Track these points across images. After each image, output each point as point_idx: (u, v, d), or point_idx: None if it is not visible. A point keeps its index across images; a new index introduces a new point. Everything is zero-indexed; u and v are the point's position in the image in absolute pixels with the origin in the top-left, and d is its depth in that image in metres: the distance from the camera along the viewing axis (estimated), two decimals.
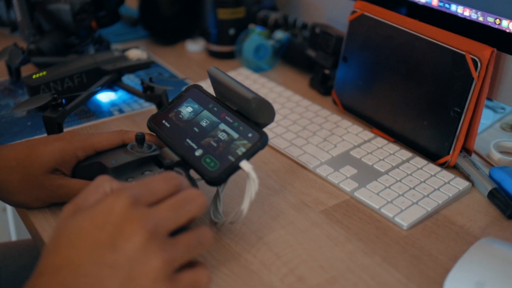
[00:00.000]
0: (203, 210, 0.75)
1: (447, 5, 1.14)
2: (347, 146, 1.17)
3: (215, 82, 0.98)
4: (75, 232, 0.70)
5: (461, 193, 1.04)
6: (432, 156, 1.12)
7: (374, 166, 1.11)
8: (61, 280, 0.68)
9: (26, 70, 1.46)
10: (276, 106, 1.31)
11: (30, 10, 1.53)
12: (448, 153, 1.09)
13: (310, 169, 1.11)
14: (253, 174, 0.86)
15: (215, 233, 0.95)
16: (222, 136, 0.92)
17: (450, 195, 1.02)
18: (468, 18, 1.11)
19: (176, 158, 0.93)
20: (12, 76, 1.44)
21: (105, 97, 1.38)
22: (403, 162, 1.11)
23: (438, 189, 1.04)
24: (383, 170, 1.09)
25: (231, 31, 1.58)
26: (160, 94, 1.24)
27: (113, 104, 1.37)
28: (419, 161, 1.11)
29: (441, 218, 0.99)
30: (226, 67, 1.53)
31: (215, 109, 0.97)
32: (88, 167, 0.98)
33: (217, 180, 0.87)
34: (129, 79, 1.48)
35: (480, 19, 1.09)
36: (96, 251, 0.68)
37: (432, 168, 1.09)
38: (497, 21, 1.06)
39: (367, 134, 1.21)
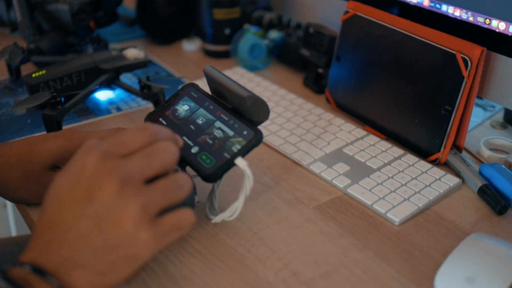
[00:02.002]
0: (175, 159, 0.77)
1: (438, 5, 1.14)
2: (340, 143, 1.17)
3: (211, 81, 0.98)
4: (54, 191, 0.73)
5: (451, 190, 1.04)
6: (423, 153, 1.12)
7: (367, 163, 1.10)
8: (49, 236, 0.71)
9: (26, 69, 1.46)
10: (270, 105, 1.31)
11: (30, 10, 1.53)
12: (439, 150, 1.09)
13: (304, 166, 1.11)
14: (248, 171, 0.86)
15: (211, 229, 0.95)
16: (217, 133, 0.92)
17: (441, 191, 1.02)
18: (458, 18, 1.11)
19: None
20: (12, 75, 1.43)
21: (103, 95, 1.38)
22: (395, 159, 1.11)
23: (429, 185, 1.03)
24: (375, 167, 1.09)
25: (227, 31, 1.58)
26: (157, 93, 1.24)
27: (111, 102, 1.36)
28: (411, 158, 1.11)
29: (432, 214, 0.99)
30: (221, 66, 1.53)
31: (211, 107, 0.97)
32: None
33: (213, 176, 0.87)
34: (127, 78, 1.48)
35: (471, 19, 1.09)
36: (75, 206, 0.71)
37: (423, 165, 1.09)
38: (487, 21, 1.06)
39: (359, 131, 1.21)
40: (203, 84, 1.07)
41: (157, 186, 0.74)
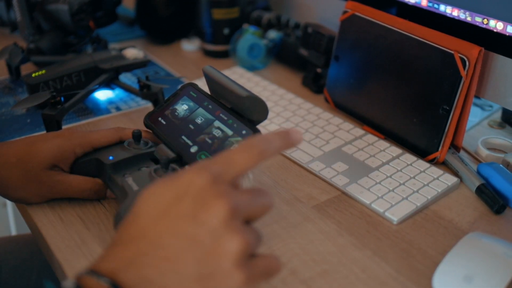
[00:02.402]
0: (272, 208, 0.70)
1: (436, 6, 1.14)
2: (339, 142, 1.17)
3: (210, 81, 0.97)
4: (153, 201, 0.66)
5: (449, 189, 1.03)
6: (421, 153, 1.12)
7: (365, 162, 1.10)
8: (136, 250, 0.64)
9: (26, 69, 1.46)
10: (269, 104, 1.31)
11: (30, 11, 1.53)
12: (437, 150, 1.09)
13: (302, 165, 1.11)
14: None
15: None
16: (216, 133, 0.92)
17: (439, 190, 1.02)
18: (456, 18, 1.11)
19: (172, 154, 0.92)
20: (12, 74, 1.43)
21: (102, 95, 1.38)
22: (393, 158, 1.11)
23: (427, 184, 1.03)
24: (373, 166, 1.09)
25: (226, 31, 1.58)
26: (156, 92, 1.24)
27: (110, 102, 1.36)
28: (409, 157, 1.11)
29: (430, 213, 0.99)
30: (220, 66, 1.52)
31: (210, 106, 0.97)
32: (86, 163, 0.97)
33: None
34: (126, 78, 1.47)
35: (468, 19, 1.09)
36: (175, 222, 0.64)
37: (422, 164, 1.09)
38: (485, 21, 1.06)
39: (358, 131, 1.21)
40: (202, 84, 1.07)
41: (254, 229, 0.68)
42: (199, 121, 0.96)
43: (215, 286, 0.63)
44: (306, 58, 1.42)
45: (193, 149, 0.92)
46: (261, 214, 0.69)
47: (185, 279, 0.63)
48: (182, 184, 0.66)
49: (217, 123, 0.93)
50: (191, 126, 0.96)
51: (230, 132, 0.90)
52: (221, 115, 0.94)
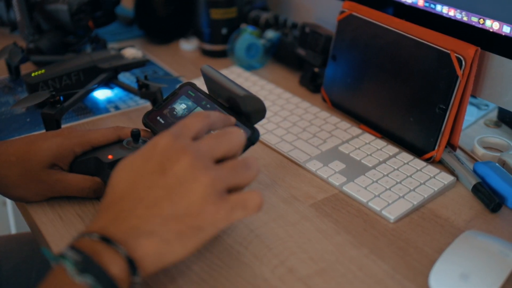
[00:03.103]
0: (242, 141, 0.81)
1: (432, 5, 1.14)
2: (336, 141, 1.16)
3: (208, 80, 0.97)
4: (125, 168, 0.76)
5: (446, 187, 1.03)
6: (418, 152, 1.12)
7: (362, 161, 1.10)
8: (119, 208, 0.72)
9: (26, 68, 1.45)
10: (267, 103, 1.30)
11: (29, 10, 1.53)
12: (434, 149, 1.09)
13: (300, 164, 1.11)
14: None
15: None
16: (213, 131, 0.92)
17: (436, 189, 1.02)
18: (453, 18, 1.11)
19: None
20: (11, 74, 1.43)
21: (101, 94, 1.38)
22: (390, 157, 1.11)
23: (424, 183, 1.03)
24: (370, 165, 1.09)
25: (224, 31, 1.58)
26: (155, 92, 1.24)
27: (109, 101, 1.36)
28: (406, 156, 1.11)
29: (426, 212, 0.99)
30: (218, 65, 1.52)
31: (208, 106, 0.97)
32: (85, 162, 0.97)
33: None
34: (125, 77, 1.47)
35: (465, 19, 1.08)
36: (148, 177, 0.73)
37: (418, 163, 1.09)
38: (481, 20, 1.06)
39: (355, 130, 1.20)
40: (201, 83, 1.07)
41: (227, 165, 0.77)
42: None
43: (194, 222, 0.73)
44: (304, 57, 1.42)
45: None
46: (228, 151, 0.79)
47: (166, 219, 0.72)
48: (148, 149, 0.76)
49: None
50: None
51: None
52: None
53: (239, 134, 0.80)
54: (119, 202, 0.73)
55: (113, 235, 0.69)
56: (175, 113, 0.99)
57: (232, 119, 0.88)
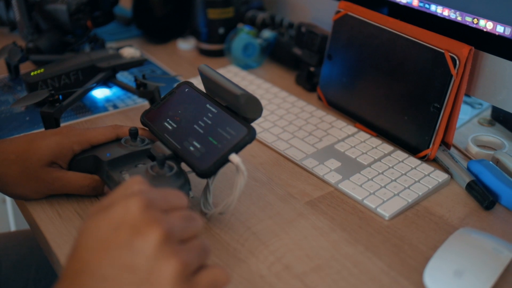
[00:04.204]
0: (201, 228, 0.72)
1: (427, 5, 1.14)
2: (332, 140, 1.16)
3: (205, 79, 0.97)
4: (92, 234, 0.66)
5: (440, 185, 1.03)
6: (412, 150, 1.12)
7: (357, 159, 1.10)
8: (80, 284, 0.64)
9: (25, 68, 1.45)
10: (263, 102, 1.30)
11: (29, 10, 1.53)
12: (428, 147, 1.09)
13: (296, 162, 1.11)
14: (242, 167, 0.85)
15: (205, 223, 0.94)
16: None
17: (430, 187, 1.02)
18: (447, 17, 1.11)
19: (167, 151, 0.92)
20: (11, 73, 1.43)
21: (100, 93, 1.37)
22: (385, 155, 1.11)
23: (419, 181, 1.03)
24: (365, 163, 1.09)
25: (221, 30, 1.58)
26: (152, 91, 1.24)
27: (107, 100, 1.36)
28: (400, 154, 1.11)
29: (421, 209, 0.99)
30: (215, 64, 1.52)
31: (208, 105, 0.97)
32: (84, 160, 0.97)
33: (207, 172, 0.87)
34: (123, 76, 1.47)
35: (459, 18, 1.08)
36: (113, 253, 0.64)
37: (413, 161, 1.09)
38: (475, 20, 1.06)
39: (350, 128, 1.20)
40: (198, 82, 1.07)
41: (192, 247, 0.69)
42: None
43: None
44: (300, 57, 1.42)
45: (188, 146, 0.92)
46: (195, 235, 0.70)
47: None
48: (117, 213, 0.66)
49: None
50: None
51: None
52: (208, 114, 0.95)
53: (201, 222, 0.72)
54: (82, 274, 0.64)
55: None
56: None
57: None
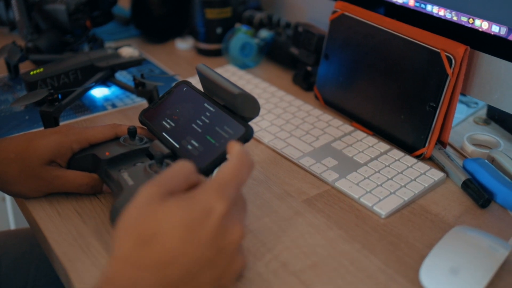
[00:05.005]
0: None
1: (423, 5, 1.14)
2: (328, 138, 1.16)
3: (203, 78, 0.97)
4: (177, 223, 0.68)
5: (436, 184, 1.03)
6: (408, 148, 1.12)
7: (354, 157, 1.10)
8: (166, 277, 0.67)
9: (24, 67, 1.45)
10: (261, 101, 1.30)
11: (28, 10, 1.53)
12: (424, 146, 1.09)
13: (293, 160, 1.11)
14: None
15: None
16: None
17: (426, 185, 1.02)
18: (443, 17, 1.11)
19: (166, 150, 0.92)
20: (11, 72, 1.43)
21: (99, 92, 1.37)
22: (381, 154, 1.11)
23: (415, 179, 1.03)
24: (362, 162, 1.09)
25: (218, 30, 1.58)
26: (151, 90, 1.24)
27: (106, 99, 1.36)
28: (397, 153, 1.11)
29: (417, 207, 0.99)
30: (213, 64, 1.52)
31: (206, 104, 0.97)
32: (83, 159, 0.97)
33: (205, 171, 0.87)
34: (122, 76, 1.47)
35: (454, 18, 1.08)
36: (200, 249, 0.68)
37: (409, 159, 1.09)
38: (471, 20, 1.05)
39: (347, 127, 1.20)
40: (196, 82, 1.07)
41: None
42: None
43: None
44: (297, 56, 1.42)
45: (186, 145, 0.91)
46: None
47: None
48: (203, 210, 0.69)
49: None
50: None
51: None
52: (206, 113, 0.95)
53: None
54: (167, 266, 0.67)
55: None
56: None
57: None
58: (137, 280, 0.66)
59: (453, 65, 1.03)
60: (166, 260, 0.67)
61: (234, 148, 0.78)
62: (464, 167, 1.06)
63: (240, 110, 0.90)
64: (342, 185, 1.02)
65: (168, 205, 0.69)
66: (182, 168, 0.74)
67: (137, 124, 1.02)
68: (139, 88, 1.24)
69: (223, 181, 0.72)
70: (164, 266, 0.66)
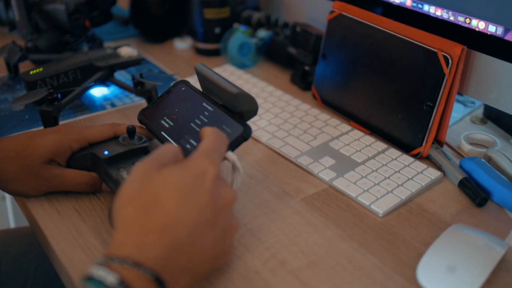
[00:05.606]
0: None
1: (420, 5, 1.14)
2: (326, 138, 1.16)
3: (202, 78, 0.97)
4: (175, 188, 0.73)
5: (433, 182, 1.03)
6: (406, 148, 1.12)
7: (352, 156, 1.10)
8: (171, 238, 0.70)
9: (24, 67, 1.45)
10: (259, 101, 1.30)
11: (28, 10, 1.53)
12: (421, 145, 1.09)
13: (291, 159, 1.10)
14: (238, 164, 0.85)
15: None
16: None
17: (423, 184, 1.02)
18: (440, 17, 1.11)
19: None
20: (10, 72, 1.43)
21: (98, 92, 1.37)
22: (379, 153, 1.11)
23: (412, 178, 1.03)
24: (359, 161, 1.09)
25: (217, 30, 1.58)
26: (150, 89, 1.24)
27: (105, 98, 1.36)
28: (394, 152, 1.11)
29: (414, 206, 0.99)
30: (212, 63, 1.52)
31: (204, 104, 0.97)
32: (82, 158, 0.97)
33: None
34: (121, 75, 1.47)
35: (451, 18, 1.08)
36: (199, 211, 0.73)
37: (406, 158, 1.09)
38: (467, 20, 1.05)
39: (344, 126, 1.20)
40: (194, 81, 1.07)
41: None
42: None
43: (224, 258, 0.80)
44: (295, 56, 1.42)
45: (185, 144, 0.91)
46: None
47: (207, 261, 0.75)
48: (197, 173, 0.75)
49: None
50: None
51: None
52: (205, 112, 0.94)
53: None
54: (171, 228, 0.71)
55: (164, 274, 0.68)
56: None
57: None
58: (144, 242, 0.69)
59: (450, 65, 1.03)
60: (170, 222, 0.70)
61: (206, 130, 0.84)
62: (461, 166, 1.06)
63: (238, 109, 0.90)
64: (340, 184, 1.02)
65: (163, 173, 0.74)
66: (170, 148, 0.79)
67: (136, 123, 1.02)
68: (138, 88, 1.24)
69: (209, 149, 0.79)
70: (168, 228, 0.70)
